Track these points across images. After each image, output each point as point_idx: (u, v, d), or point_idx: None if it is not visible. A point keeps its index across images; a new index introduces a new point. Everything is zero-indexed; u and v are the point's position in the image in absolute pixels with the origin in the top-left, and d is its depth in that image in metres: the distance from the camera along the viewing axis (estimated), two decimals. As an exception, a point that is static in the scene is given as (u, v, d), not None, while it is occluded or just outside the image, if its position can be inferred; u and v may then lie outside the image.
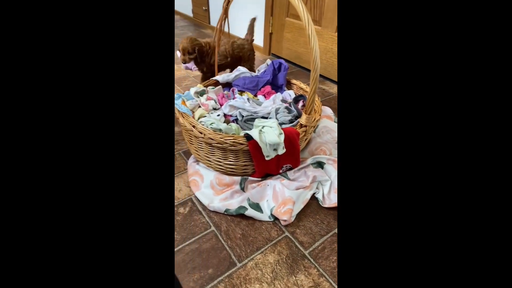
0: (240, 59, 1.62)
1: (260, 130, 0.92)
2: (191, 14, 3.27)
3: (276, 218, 0.93)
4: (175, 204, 0.97)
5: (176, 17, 3.47)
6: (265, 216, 0.93)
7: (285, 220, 0.90)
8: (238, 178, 1.02)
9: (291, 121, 1.03)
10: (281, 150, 0.91)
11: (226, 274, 0.77)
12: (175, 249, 0.83)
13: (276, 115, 1.04)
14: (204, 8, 2.95)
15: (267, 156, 0.93)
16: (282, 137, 0.90)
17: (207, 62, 1.49)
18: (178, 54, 1.50)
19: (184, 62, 1.45)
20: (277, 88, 1.32)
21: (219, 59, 1.54)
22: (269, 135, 0.89)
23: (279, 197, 0.95)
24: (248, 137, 0.90)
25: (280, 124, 1.00)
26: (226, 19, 1.22)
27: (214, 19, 2.91)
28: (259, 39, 2.42)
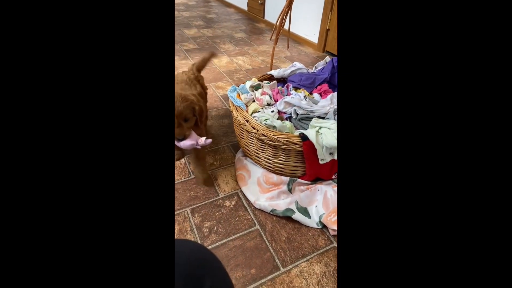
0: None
1: (317, 131, 0.86)
2: (246, 8, 3.28)
3: (324, 226, 0.87)
4: (221, 196, 0.97)
5: (230, 10, 3.51)
6: (312, 223, 0.87)
7: (335, 230, 0.84)
8: (287, 179, 0.98)
9: (350, 124, 0.95)
10: (338, 155, 0.85)
11: (268, 277, 0.74)
12: (219, 243, 0.82)
13: (334, 116, 0.98)
14: (260, 1, 2.93)
15: (322, 160, 0.87)
16: (341, 141, 0.83)
17: (201, 128, 0.95)
18: None
19: (183, 137, 0.86)
20: (334, 87, 1.24)
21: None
22: (327, 137, 0.83)
23: (329, 205, 0.89)
24: (304, 137, 0.86)
25: (338, 126, 0.93)
26: (289, 13, 1.17)
27: (269, 14, 2.88)
28: (314, 35, 2.33)
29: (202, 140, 0.87)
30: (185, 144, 0.87)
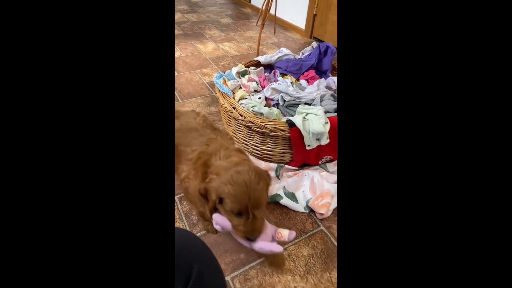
0: None
1: (304, 117, 0.86)
2: (231, -8, 3.18)
3: (311, 210, 0.89)
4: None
5: (216, -6, 3.39)
6: (300, 207, 0.89)
7: (322, 214, 0.86)
8: (274, 165, 0.99)
9: (336, 110, 0.96)
10: (325, 141, 0.86)
11: (258, 261, 0.76)
12: (208, 230, 0.82)
13: (320, 102, 0.98)
14: (245, -15, 2.84)
15: (309, 146, 0.88)
16: (328, 126, 0.84)
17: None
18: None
19: (258, 235, 0.58)
20: (321, 73, 1.24)
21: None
22: (314, 123, 0.84)
23: (316, 189, 0.90)
24: (291, 124, 0.86)
25: (325, 112, 0.93)
26: (275, -4, 1.14)
27: (255, -2, 2.80)
28: (301, 21, 2.29)
29: (285, 236, 0.56)
30: (262, 248, 0.55)
